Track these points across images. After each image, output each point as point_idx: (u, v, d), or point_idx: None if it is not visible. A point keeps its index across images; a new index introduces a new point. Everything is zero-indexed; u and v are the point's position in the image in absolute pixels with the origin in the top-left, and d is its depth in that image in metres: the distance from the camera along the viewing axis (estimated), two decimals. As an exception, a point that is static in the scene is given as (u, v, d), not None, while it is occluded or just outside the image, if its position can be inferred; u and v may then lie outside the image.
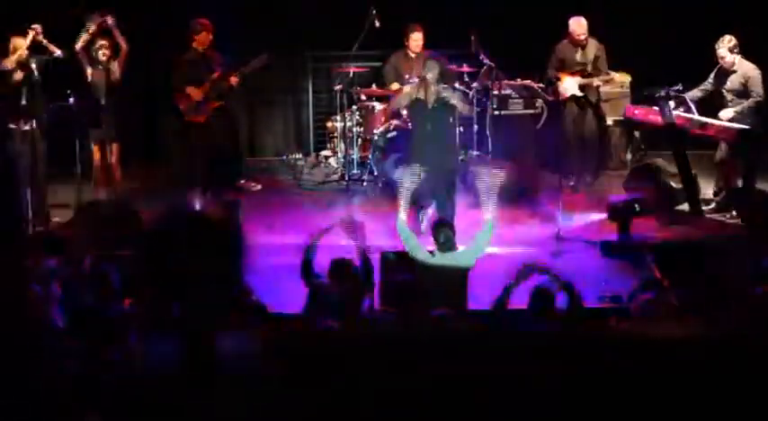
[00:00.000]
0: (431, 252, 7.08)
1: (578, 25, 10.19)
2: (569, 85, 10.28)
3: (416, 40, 10.36)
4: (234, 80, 9.75)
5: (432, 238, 7.15)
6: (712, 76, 9.36)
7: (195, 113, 9.77)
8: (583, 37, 10.19)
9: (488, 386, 2.65)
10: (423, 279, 6.85)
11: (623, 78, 10.23)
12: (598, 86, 10.38)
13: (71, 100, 9.13)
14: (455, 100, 8.42)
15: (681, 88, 9.38)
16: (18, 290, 6.04)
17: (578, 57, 10.29)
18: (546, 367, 2.71)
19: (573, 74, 10.30)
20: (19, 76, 8.99)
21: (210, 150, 9.84)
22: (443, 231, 7.04)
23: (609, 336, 4.34)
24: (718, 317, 6.20)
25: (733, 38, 9.16)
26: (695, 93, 9.37)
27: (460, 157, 10.66)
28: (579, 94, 10.34)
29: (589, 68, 10.27)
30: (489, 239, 7.11)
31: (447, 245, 7.00)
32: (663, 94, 9.20)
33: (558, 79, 10.23)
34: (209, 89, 9.71)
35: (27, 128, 9.04)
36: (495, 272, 7.83)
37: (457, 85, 10.16)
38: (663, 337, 3.00)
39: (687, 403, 2.79)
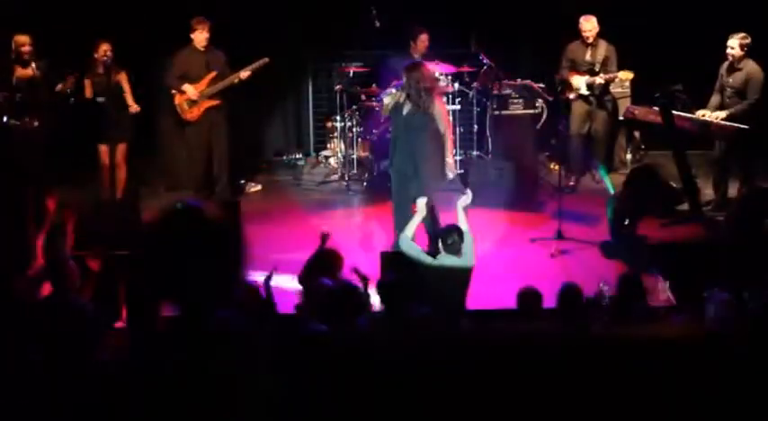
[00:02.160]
0: (432, 255, 7.10)
1: (587, 23, 10.21)
2: (577, 85, 10.32)
3: (424, 41, 10.35)
4: (237, 78, 9.71)
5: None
6: (720, 73, 9.39)
7: (189, 111, 9.78)
8: (591, 35, 10.21)
9: (485, 386, 2.65)
10: (424, 279, 6.86)
11: (627, 76, 10.24)
12: (607, 85, 10.39)
13: (72, 99, 9.17)
14: (436, 116, 8.25)
15: (680, 88, 9.39)
16: (20, 289, 6.06)
17: (588, 56, 10.31)
18: (543, 368, 2.71)
19: (582, 73, 10.32)
20: (21, 73, 9.01)
21: (204, 149, 9.84)
22: (451, 235, 7.03)
23: (608, 337, 4.34)
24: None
25: (747, 36, 9.18)
26: (715, 98, 9.40)
27: (460, 158, 10.72)
28: (587, 93, 10.36)
29: (597, 68, 10.28)
30: (472, 246, 7.13)
31: (453, 247, 6.99)
32: (663, 95, 9.23)
33: (567, 80, 10.28)
34: (204, 88, 9.71)
35: (29, 126, 9.06)
36: (494, 272, 7.89)
37: (449, 89, 10.16)
38: (660, 337, 3.01)
39: (685, 403, 2.79)
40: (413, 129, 8.00)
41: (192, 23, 9.68)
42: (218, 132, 9.84)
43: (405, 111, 7.99)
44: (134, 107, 9.51)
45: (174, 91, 9.89)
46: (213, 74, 9.68)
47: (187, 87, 9.69)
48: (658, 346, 3.10)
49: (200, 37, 9.65)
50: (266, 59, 9.70)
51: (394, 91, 8.14)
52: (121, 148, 9.60)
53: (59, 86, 9.02)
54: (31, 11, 10.09)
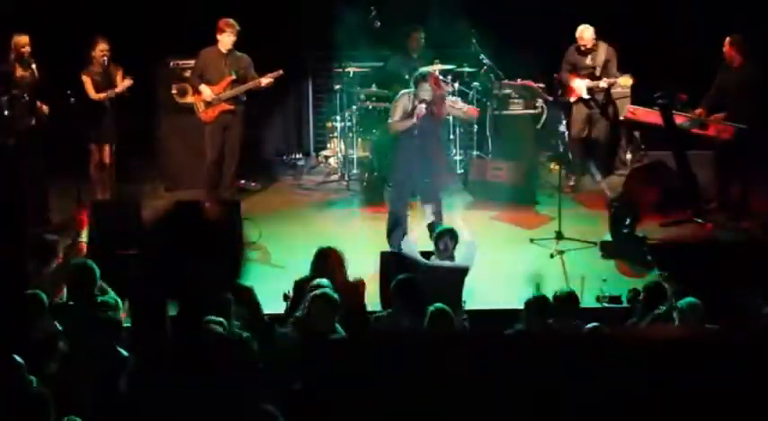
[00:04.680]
0: (428, 255, 7.10)
1: (584, 33, 10.20)
2: (578, 88, 10.31)
3: (418, 39, 10.37)
4: (258, 84, 9.69)
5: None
6: (719, 72, 9.40)
7: (204, 112, 9.72)
8: (588, 44, 10.20)
9: (487, 386, 2.65)
10: (421, 279, 6.86)
11: (627, 81, 10.24)
12: (607, 88, 10.38)
13: (72, 100, 9.16)
14: (459, 113, 8.41)
15: (680, 90, 9.41)
16: (18, 291, 6.06)
17: (588, 60, 10.29)
18: (544, 367, 2.72)
19: (582, 77, 10.31)
20: (20, 73, 9.00)
21: (216, 150, 9.79)
22: (443, 240, 7.04)
23: (608, 337, 4.34)
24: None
25: (734, 37, 9.19)
26: (714, 98, 9.42)
27: (460, 157, 10.73)
28: (587, 96, 10.35)
29: (598, 72, 10.27)
30: (473, 257, 7.14)
31: (446, 253, 7.01)
32: (663, 95, 9.24)
33: (568, 83, 10.28)
34: (221, 90, 9.65)
35: (27, 126, 9.05)
36: (495, 272, 7.89)
37: (449, 89, 10.15)
38: (661, 338, 3.01)
39: (685, 404, 2.79)
40: (427, 138, 8.08)
41: (221, 25, 9.57)
42: (232, 135, 9.78)
43: (418, 123, 8.03)
44: (122, 85, 9.47)
45: (175, 91, 9.87)
46: (231, 78, 9.63)
47: (203, 89, 9.62)
48: (658, 346, 3.09)
49: (227, 39, 9.57)
50: (281, 72, 9.69)
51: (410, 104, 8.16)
52: (108, 149, 9.58)
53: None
54: (29, 9, 10.08)
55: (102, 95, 9.42)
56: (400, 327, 6.10)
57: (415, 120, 7.98)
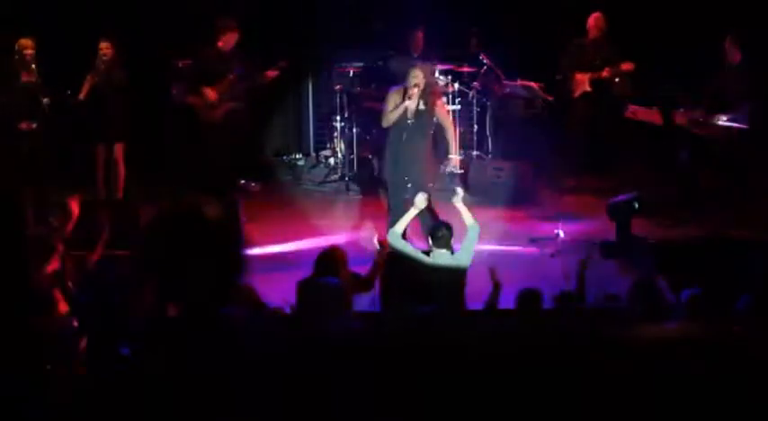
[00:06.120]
0: (426, 252, 7.08)
1: (595, 22, 10.20)
2: (581, 83, 10.31)
3: (418, 39, 10.39)
4: (264, 78, 9.70)
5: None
6: (720, 72, 9.42)
7: (208, 113, 9.71)
8: (598, 34, 10.21)
9: (483, 387, 2.66)
10: (421, 279, 6.85)
11: (628, 66, 10.22)
12: (611, 84, 10.37)
13: (71, 100, 9.18)
14: (443, 117, 8.31)
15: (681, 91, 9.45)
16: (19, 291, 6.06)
17: (592, 54, 10.29)
18: (541, 368, 2.72)
19: (586, 72, 10.31)
20: (25, 78, 9.01)
21: (219, 151, 9.79)
22: (440, 229, 7.04)
23: (607, 336, 4.34)
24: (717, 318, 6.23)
25: (735, 36, 9.20)
26: (711, 95, 9.42)
27: (460, 157, 10.72)
28: (589, 89, 10.34)
29: (601, 66, 10.26)
30: (475, 241, 7.10)
31: (442, 240, 6.98)
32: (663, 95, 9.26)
33: (572, 78, 10.27)
34: (224, 90, 9.64)
35: (28, 128, 9.05)
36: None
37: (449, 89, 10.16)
38: (661, 338, 3.02)
39: (684, 404, 2.79)
40: (417, 130, 8.04)
41: (220, 25, 9.60)
42: (237, 135, 9.79)
43: (409, 115, 8.00)
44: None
45: (193, 93, 9.88)
46: (233, 76, 9.63)
47: (207, 90, 9.62)
48: (658, 346, 3.10)
49: (227, 39, 9.58)
50: (285, 63, 9.73)
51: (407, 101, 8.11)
52: (119, 147, 9.57)
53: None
54: (35, 11, 10.10)
55: (81, 96, 9.37)
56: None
57: (407, 103, 7.93)
